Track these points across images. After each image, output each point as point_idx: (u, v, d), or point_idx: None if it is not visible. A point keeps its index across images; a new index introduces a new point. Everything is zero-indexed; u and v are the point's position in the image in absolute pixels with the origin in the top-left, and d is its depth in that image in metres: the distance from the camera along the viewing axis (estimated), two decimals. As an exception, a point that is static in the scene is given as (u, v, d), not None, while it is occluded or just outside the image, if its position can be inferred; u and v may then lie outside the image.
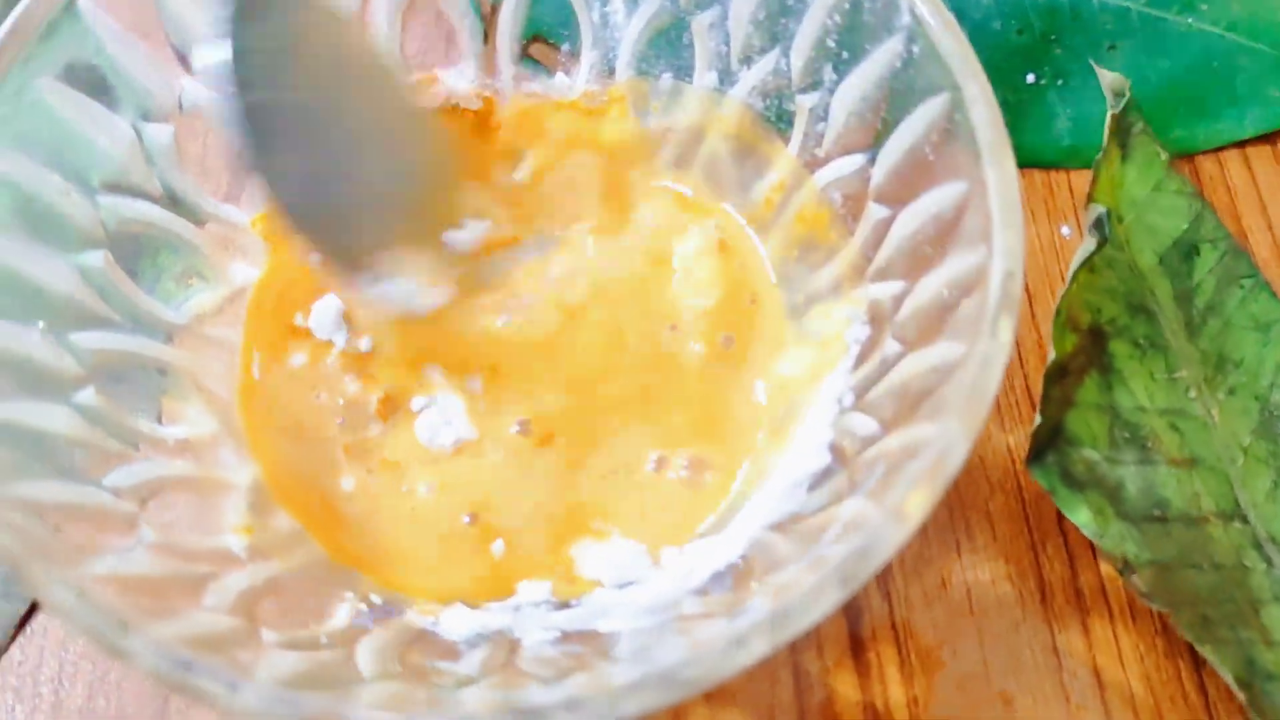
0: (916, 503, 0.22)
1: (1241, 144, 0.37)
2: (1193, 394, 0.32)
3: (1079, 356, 0.32)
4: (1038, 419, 0.31)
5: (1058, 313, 0.32)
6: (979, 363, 0.23)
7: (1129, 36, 0.38)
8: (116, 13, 0.28)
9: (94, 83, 0.28)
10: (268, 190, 0.26)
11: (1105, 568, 0.32)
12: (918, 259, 0.28)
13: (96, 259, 0.28)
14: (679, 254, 0.33)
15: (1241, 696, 0.29)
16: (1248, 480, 0.31)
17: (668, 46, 0.33)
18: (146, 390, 0.29)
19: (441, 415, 0.31)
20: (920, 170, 0.28)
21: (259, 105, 0.25)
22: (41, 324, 0.26)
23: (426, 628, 0.27)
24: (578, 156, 0.34)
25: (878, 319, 0.29)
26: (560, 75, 0.34)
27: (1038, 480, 0.31)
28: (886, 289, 0.29)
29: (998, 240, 0.24)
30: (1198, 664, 0.31)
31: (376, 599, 0.28)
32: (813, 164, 0.31)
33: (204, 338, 0.31)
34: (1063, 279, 0.35)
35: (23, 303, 0.26)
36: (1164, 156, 0.34)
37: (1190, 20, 0.38)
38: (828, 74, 0.30)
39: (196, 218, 0.31)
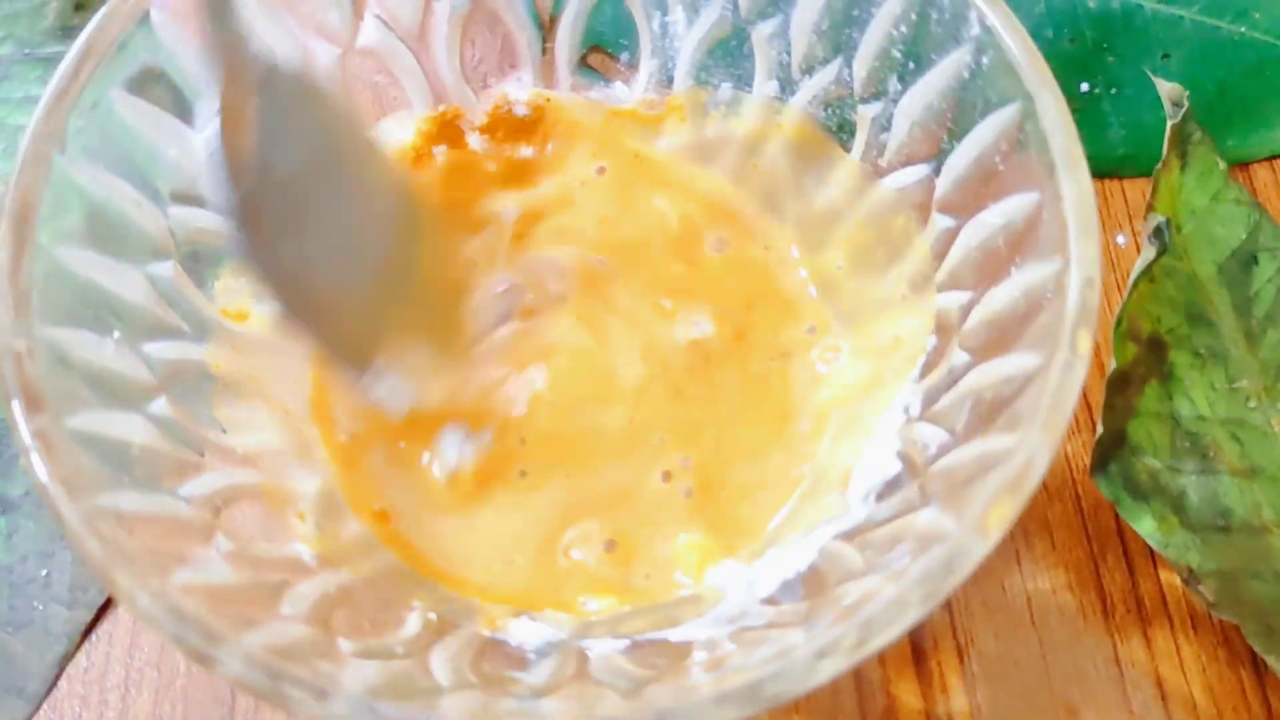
0: (999, 516, 0.22)
1: (1296, 152, 0.37)
2: (1253, 404, 0.32)
3: (1140, 366, 0.32)
4: (1100, 428, 0.31)
5: (1118, 322, 0.32)
6: (1059, 373, 0.23)
7: (1182, 45, 0.38)
8: (186, 24, 0.28)
9: (164, 94, 0.28)
10: (263, 281, 0.24)
11: (1166, 577, 0.32)
12: (986, 269, 0.28)
13: (166, 269, 0.28)
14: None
15: (1309, 707, 0.29)
16: (1309, 491, 0.31)
17: (727, 56, 0.33)
18: (208, 399, 0.29)
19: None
20: (988, 180, 0.28)
21: (253, 190, 0.24)
22: (116, 334, 0.26)
23: (496, 637, 0.27)
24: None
25: (944, 328, 0.29)
26: (618, 84, 0.34)
27: (1102, 490, 0.31)
28: (953, 299, 0.29)
29: (1075, 250, 0.24)
30: (1260, 674, 0.31)
31: (444, 608, 0.28)
32: (875, 174, 0.31)
33: (269, 347, 0.31)
34: (1119, 288, 0.35)
35: (99, 313, 0.26)
36: (1223, 166, 0.34)
37: (1243, 29, 0.38)
38: (892, 84, 0.30)
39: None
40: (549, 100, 0.34)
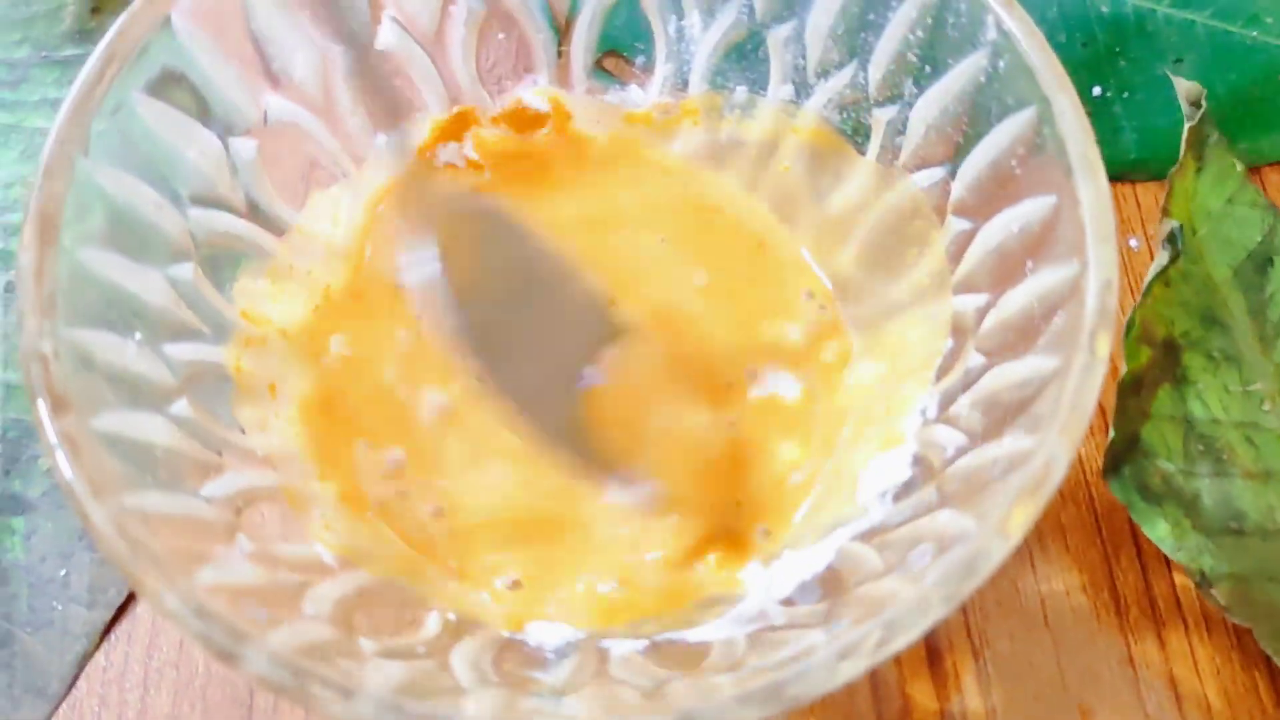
0: (1020, 517, 0.22)
1: (1309, 156, 0.37)
2: (1267, 407, 0.32)
3: (1153, 369, 0.32)
4: (1112, 432, 0.31)
5: (1130, 326, 0.32)
6: (1079, 376, 0.23)
7: (1194, 49, 0.38)
8: (207, 28, 0.28)
9: (185, 97, 0.28)
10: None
11: (1179, 579, 0.32)
12: (1002, 272, 0.28)
13: (186, 271, 0.29)
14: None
15: (1324, 709, 0.29)
16: (1323, 494, 0.31)
17: (742, 59, 0.33)
18: (228, 400, 0.30)
19: None
20: (1004, 184, 0.28)
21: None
22: (138, 336, 0.27)
23: (515, 637, 0.28)
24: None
25: (960, 331, 0.29)
26: (633, 88, 0.34)
27: (1115, 493, 0.31)
28: (969, 301, 0.29)
29: (1092, 253, 0.24)
30: (1274, 676, 0.31)
31: (463, 609, 0.28)
32: (891, 177, 0.31)
33: (285, 349, 0.31)
34: (1131, 291, 0.35)
35: (121, 315, 0.26)
36: (1239, 168, 0.34)
37: (1255, 33, 0.38)
38: (908, 87, 0.30)
39: (277, 228, 0.31)
40: (563, 102, 0.35)
